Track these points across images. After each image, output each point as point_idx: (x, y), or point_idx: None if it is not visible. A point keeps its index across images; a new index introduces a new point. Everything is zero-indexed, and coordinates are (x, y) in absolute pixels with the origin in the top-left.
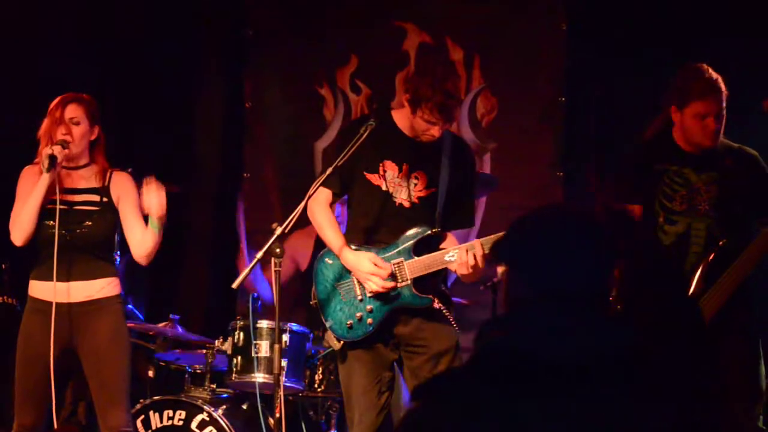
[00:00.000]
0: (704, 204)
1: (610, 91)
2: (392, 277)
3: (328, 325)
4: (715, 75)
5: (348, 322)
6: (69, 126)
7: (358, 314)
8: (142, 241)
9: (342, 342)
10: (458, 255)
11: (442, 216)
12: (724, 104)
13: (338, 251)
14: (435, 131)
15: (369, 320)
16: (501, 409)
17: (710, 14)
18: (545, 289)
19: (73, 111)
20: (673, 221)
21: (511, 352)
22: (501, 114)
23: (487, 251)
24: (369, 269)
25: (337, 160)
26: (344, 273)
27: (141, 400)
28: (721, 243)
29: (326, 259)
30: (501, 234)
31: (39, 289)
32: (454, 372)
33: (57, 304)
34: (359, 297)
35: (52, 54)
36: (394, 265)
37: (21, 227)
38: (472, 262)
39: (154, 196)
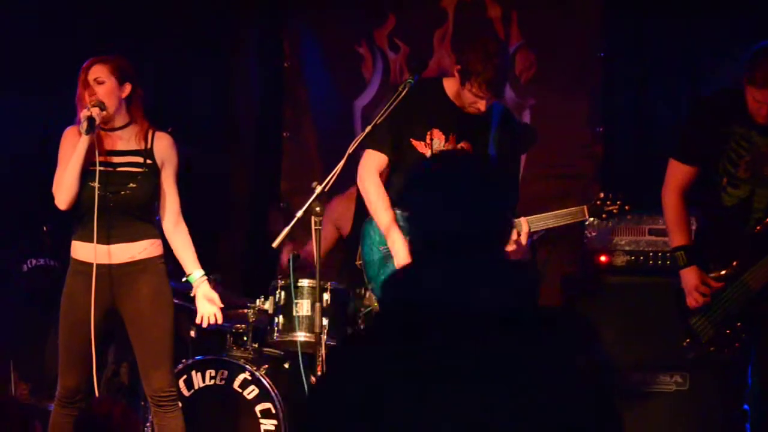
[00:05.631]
0: None
1: (649, 46)
2: None
3: (370, 287)
4: None
5: None
6: (93, 87)
7: None
8: (177, 225)
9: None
10: None
11: None
12: None
13: (385, 228)
14: (481, 105)
15: None
16: (395, 360)
17: None
18: (437, 237)
19: (96, 71)
20: (737, 185)
21: (406, 305)
22: (540, 70)
23: (532, 229)
24: (406, 260)
25: (375, 119)
26: None
27: (183, 360)
28: None
29: (375, 222)
30: (565, 210)
31: (81, 250)
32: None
33: (99, 265)
34: None
35: (89, 14)
36: None
37: (64, 191)
38: (515, 237)
39: (211, 318)
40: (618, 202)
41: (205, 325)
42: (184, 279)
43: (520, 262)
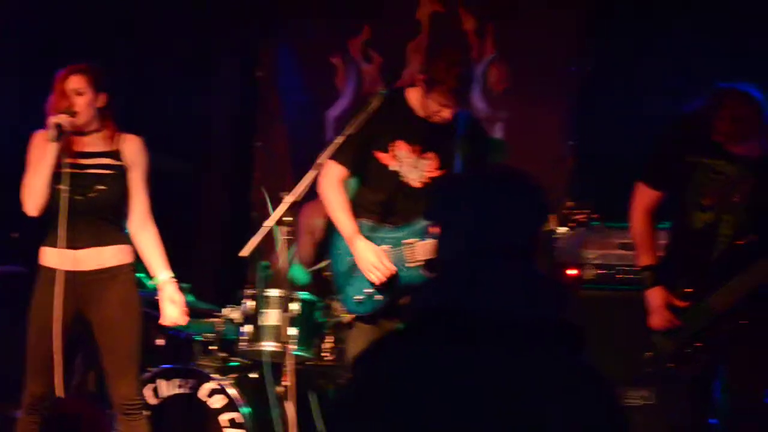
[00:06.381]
0: (737, 196)
1: (624, 60)
2: (392, 279)
3: (338, 297)
4: (747, 121)
5: (357, 297)
6: (72, 97)
7: (368, 290)
8: (145, 226)
9: (351, 315)
10: None
11: None
12: (760, 137)
13: (348, 237)
14: (446, 113)
15: (378, 296)
16: (429, 363)
17: None
18: (474, 247)
19: (76, 82)
20: (704, 210)
21: (440, 308)
22: (513, 83)
23: None
24: (374, 262)
25: (346, 129)
26: None
27: (150, 369)
28: (749, 239)
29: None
30: None
31: (50, 257)
32: (390, 334)
33: (66, 272)
34: None
35: (64, 18)
36: (406, 246)
37: (33, 197)
38: None
39: (173, 313)
40: (586, 211)
41: (169, 323)
42: (151, 282)
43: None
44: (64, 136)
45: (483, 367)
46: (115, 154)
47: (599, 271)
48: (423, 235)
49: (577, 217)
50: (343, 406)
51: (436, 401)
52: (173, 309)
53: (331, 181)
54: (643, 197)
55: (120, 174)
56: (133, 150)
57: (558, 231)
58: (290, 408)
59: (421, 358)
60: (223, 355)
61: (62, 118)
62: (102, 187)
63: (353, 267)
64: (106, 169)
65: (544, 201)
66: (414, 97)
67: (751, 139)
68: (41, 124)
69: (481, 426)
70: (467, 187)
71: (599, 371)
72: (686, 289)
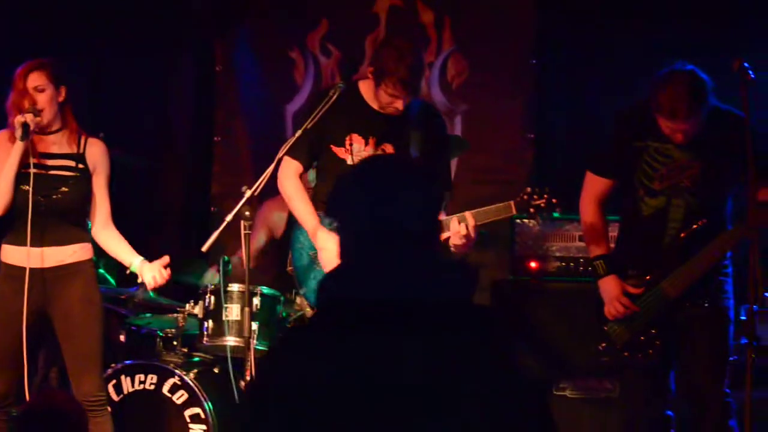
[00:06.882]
0: (686, 180)
1: (583, 53)
2: None
3: (302, 292)
4: (690, 95)
5: None
6: (34, 95)
7: None
8: (107, 228)
9: (314, 310)
10: (451, 226)
11: None
12: (699, 118)
13: (310, 229)
14: (398, 104)
15: None
16: (336, 352)
17: None
18: (373, 234)
19: (36, 79)
20: (654, 195)
21: (345, 297)
22: (472, 76)
23: (478, 222)
24: (335, 251)
25: (306, 124)
26: None
27: (112, 365)
28: (699, 224)
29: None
30: (492, 206)
31: (12, 254)
32: (298, 327)
33: (30, 269)
34: None
35: (22, 16)
36: None
37: None
38: (464, 232)
39: (156, 276)
40: (545, 196)
41: (161, 282)
42: (128, 271)
43: (454, 259)
44: (30, 135)
45: (390, 353)
46: (79, 157)
47: (560, 264)
48: None
49: (537, 202)
50: (254, 400)
51: (343, 391)
52: (153, 274)
53: (289, 175)
54: (593, 187)
55: (83, 177)
56: (97, 154)
57: (518, 222)
58: None
59: (327, 348)
60: (186, 350)
61: (29, 118)
62: (65, 189)
63: (315, 261)
64: (70, 171)
65: (439, 187)
66: (366, 89)
67: (695, 118)
68: (2, 124)
69: (389, 415)
70: (360, 178)
71: (512, 355)
72: (639, 277)
